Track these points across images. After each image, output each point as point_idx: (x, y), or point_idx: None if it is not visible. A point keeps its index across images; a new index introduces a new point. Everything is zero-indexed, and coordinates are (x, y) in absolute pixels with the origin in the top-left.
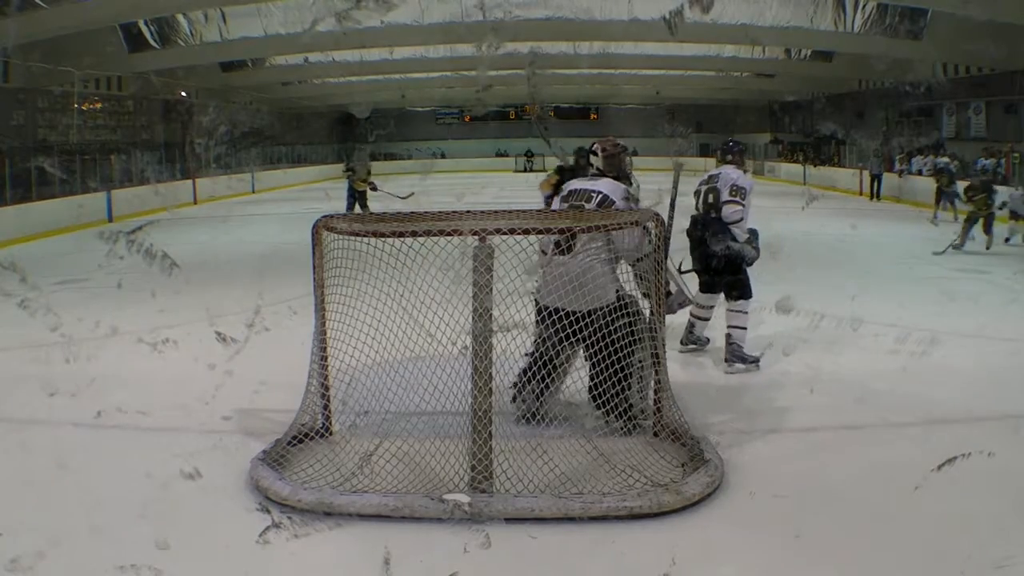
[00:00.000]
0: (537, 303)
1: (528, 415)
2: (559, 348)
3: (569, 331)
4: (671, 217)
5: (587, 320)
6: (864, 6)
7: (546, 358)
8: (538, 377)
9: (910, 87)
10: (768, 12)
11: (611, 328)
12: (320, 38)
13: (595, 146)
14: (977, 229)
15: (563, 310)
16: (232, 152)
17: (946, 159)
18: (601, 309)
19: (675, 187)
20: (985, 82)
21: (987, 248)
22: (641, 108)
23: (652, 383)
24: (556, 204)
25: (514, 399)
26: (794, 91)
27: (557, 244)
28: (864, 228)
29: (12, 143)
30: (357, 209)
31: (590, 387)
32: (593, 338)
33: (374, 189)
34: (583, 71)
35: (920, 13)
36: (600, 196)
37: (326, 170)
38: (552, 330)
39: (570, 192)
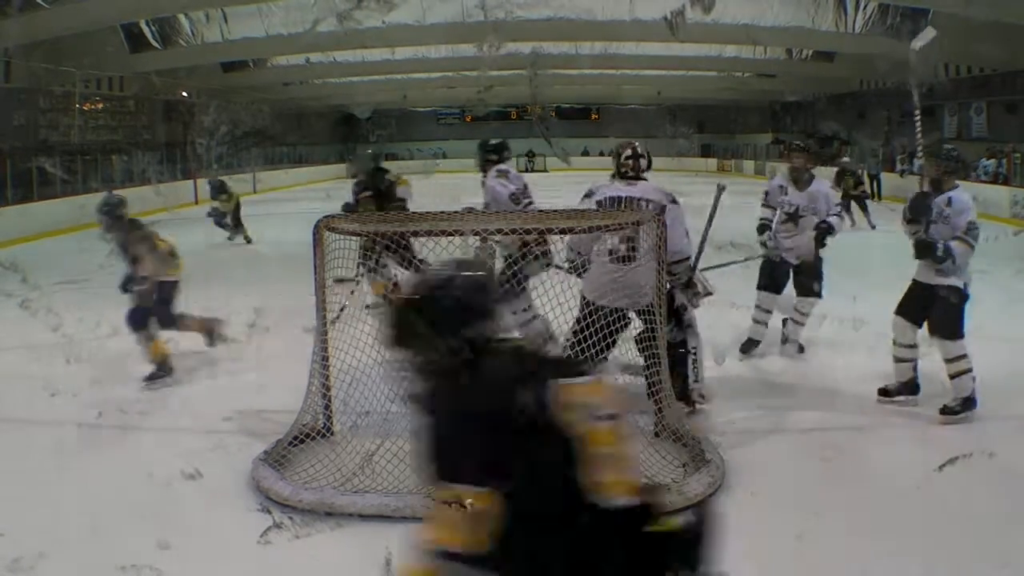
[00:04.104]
0: (589, 300)
1: None
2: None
3: (619, 325)
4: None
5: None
6: (865, 6)
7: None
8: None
9: (911, 87)
10: (769, 12)
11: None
12: (321, 38)
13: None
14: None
15: (621, 310)
16: (233, 152)
17: (847, 159)
18: (651, 305)
19: (714, 209)
20: (986, 82)
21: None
22: (642, 108)
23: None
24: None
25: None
26: (796, 91)
27: (611, 252)
28: (865, 227)
29: (13, 143)
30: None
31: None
32: (648, 327)
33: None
34: (584, 71)
35: (921, 13)
36: (652, 204)
37: (327, 170)
38: (606, 323)
39: (614, 199)
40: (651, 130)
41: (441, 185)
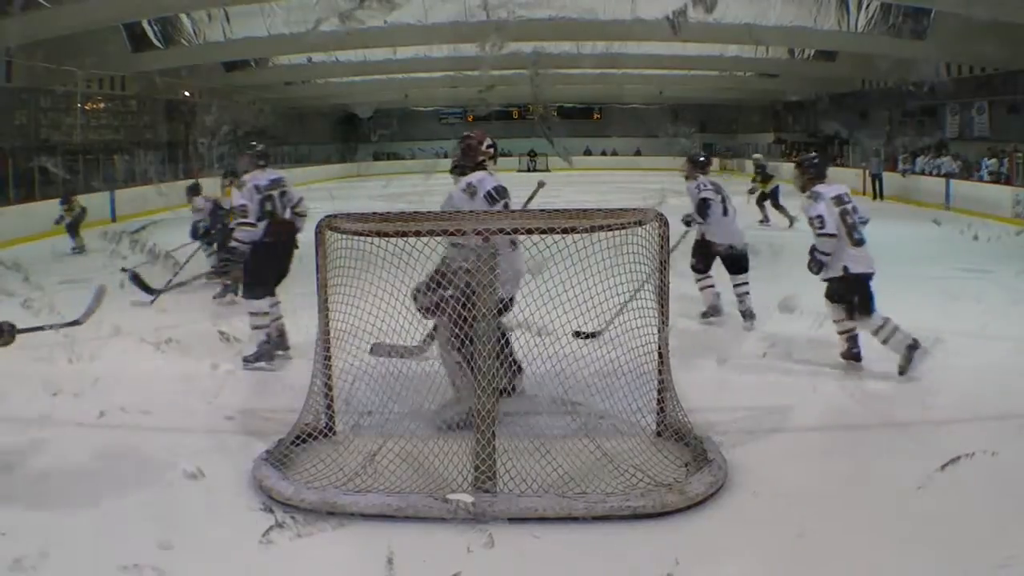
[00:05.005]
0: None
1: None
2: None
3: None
4: None
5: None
6: (867, 6)
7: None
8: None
9: (913, 87)
10: (771, 12)
11: None
12: (323, 38)
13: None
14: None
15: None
16: (235, 152)
17: (759, 155)
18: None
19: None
20: (988, 82)
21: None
22: (644, 108)
23: None
24: (482, 207)
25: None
26: (797, 91)
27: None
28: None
29: (15, 143)
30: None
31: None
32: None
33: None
34: (586, 71)
35: (923, 13)
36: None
37: (329, 170)
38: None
39: (498, 191)
40: (653, 129)
41: (442, 184)
